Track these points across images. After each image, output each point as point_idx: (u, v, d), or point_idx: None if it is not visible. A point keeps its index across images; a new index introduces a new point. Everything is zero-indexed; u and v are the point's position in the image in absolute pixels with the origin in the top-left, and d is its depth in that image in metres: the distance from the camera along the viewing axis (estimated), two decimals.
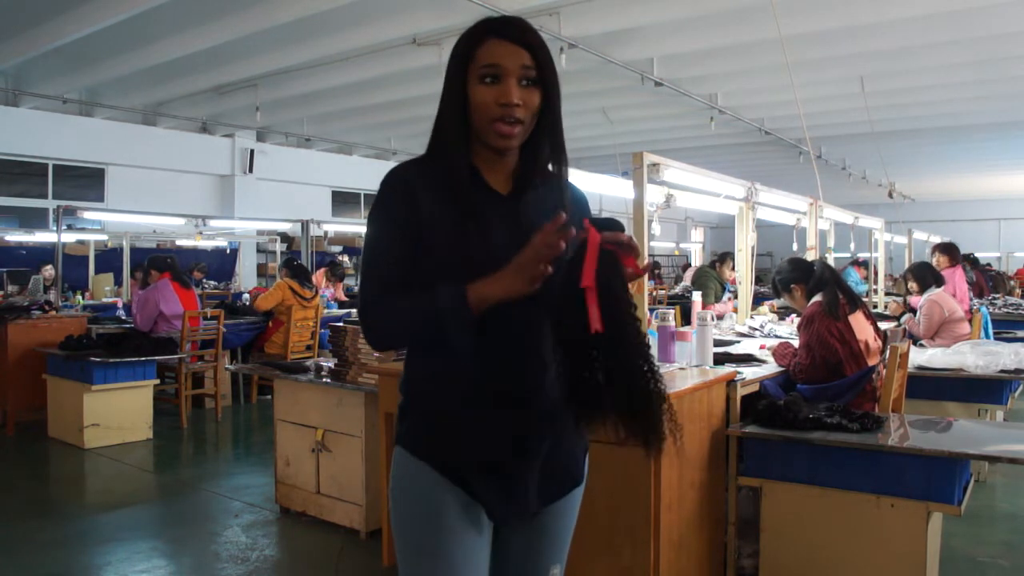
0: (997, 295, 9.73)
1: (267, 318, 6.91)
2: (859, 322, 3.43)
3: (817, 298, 3.47)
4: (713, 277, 7.27)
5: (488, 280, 1.25)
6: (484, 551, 1.42)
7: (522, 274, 1.23)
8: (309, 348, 6.89)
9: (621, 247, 1.23)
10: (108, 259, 9.61)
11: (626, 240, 1.24)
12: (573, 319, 1.21)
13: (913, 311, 5.60)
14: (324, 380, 3.70)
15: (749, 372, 3.14)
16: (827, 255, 5.89)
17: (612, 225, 1.26)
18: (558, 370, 1.28)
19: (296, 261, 7.48)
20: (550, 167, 1.43)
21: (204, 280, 10.50)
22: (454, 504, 1.37)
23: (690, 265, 15.86)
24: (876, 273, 8.31)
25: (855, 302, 3.52)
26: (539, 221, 1.26)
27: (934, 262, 6.81)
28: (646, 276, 3.25)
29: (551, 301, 1.26)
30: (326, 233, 10.93)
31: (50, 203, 9.53)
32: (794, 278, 3.67)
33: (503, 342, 1.33)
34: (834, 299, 3.41)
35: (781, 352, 3.47)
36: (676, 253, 18.26)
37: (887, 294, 8.02)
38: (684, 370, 2.92)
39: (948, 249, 6.99)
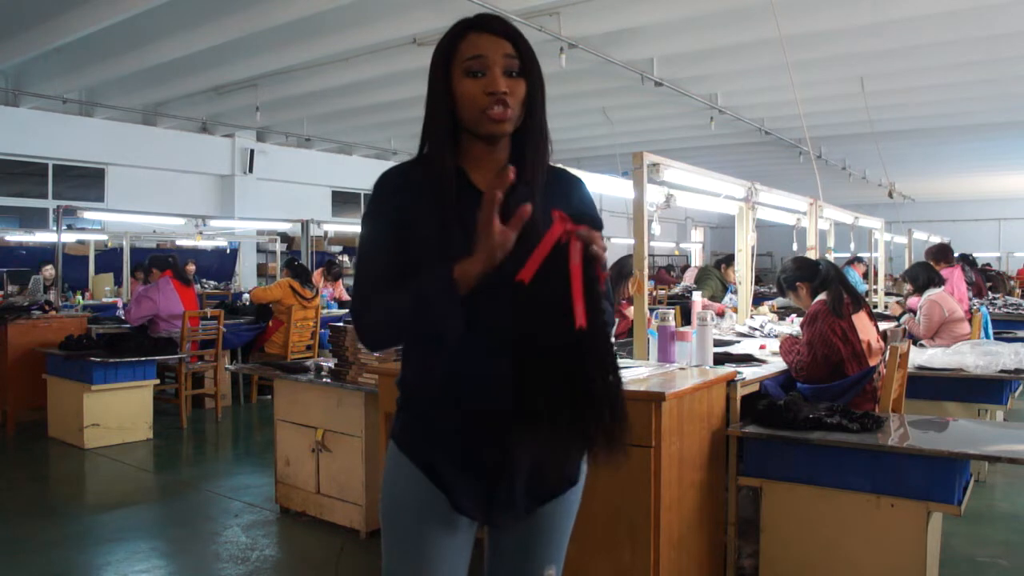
0: (997, 295, 9.72)
1: (266, 317, 6.91)
2: (863, 322, 3.43)
3: (822, 296, 3.48)
4: (716, 276, 7.28)
5: (467, 259, 1.26)
6: (463, 550, 1.44)
7: (484, 240, 1.23)
8: (309, 348, 6.89)
9: (589, 249, 1.21)
10: (108, 259, 9.59)
11: (595, 247, 1.21)
12: (553, 321, 1.19)
13: (911, 311, 5.60)
14: (324, 380, 3.70)
15: (749, 372, 3.13)
16: (827, 255, 5.89)
17: (589, 220, 1.23)
18: (535, 376, 1.24)
19: (297, 261, 7.48)
20: (538, 162, 1.41)
21: (203, 281, 10.50)
22: (435, 501, 1.39)
23: (690, 265, 15.86)
24: (876, 273, 8.31)
25: (859, 302, 3.53)
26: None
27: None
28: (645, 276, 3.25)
29: (526, 306, 1.23)
30: (326, 233, 10.92)
31: (50, 203, 9.53)
32: (799, 276, 3.67)
33: (476, 339, 1.33)
34: (839, 297, 3.41)
35: (787, 348, 3.47)
36: (676, 253, 18.26)
37: (887, 294, 8.02)
38: (684, 370, 2.91)
39: (935, 253, 6.94)
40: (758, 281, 6.42)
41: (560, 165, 1.54)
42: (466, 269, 1.25)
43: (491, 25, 1.36)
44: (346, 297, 8.98)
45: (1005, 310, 8.27)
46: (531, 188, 1.38)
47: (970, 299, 7.39)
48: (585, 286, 1.19)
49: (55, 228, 7.18)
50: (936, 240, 9.85)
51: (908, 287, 5.67)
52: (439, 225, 1.34)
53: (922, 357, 4.39)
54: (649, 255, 3.55)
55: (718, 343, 3.71)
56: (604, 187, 4.17)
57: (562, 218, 1.21)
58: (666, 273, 13.78)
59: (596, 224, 1.26)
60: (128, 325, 6.43)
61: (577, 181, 1.52)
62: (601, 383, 1.21)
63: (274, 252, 10.86)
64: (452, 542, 1.41)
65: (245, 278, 11.31)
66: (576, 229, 1.19)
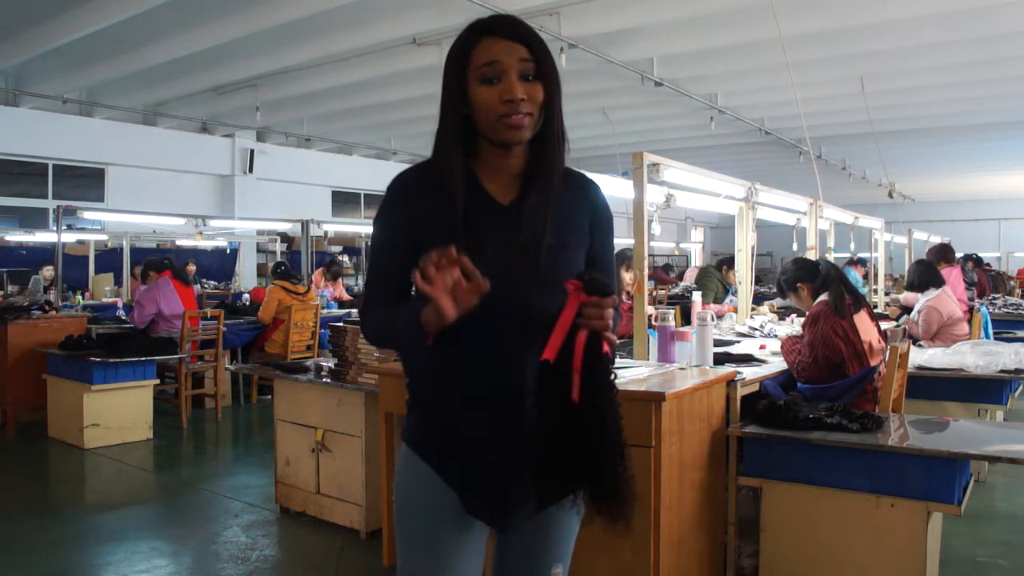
0: (997, 295, 9.72)
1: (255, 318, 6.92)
2: (864, 322, 3.43)
3: (823, 297, 3.47)
4: (716, 279, 7.27)
5: (427, 307, 1.26)
6: (477, 550, 1.44)
7: (433, 310, 1.23)
8: (309, 348, 6.89)
9: (595, 326, 1.26)
10: (108, 259, 9.60)
11: (599, 324, 1.26)
12: (559, 384, 1.28)
13: (907, 310, 5.58)
14: (324, 380, 3.69)
15: (749, 372, 3.13)
16: (827, 255, 5.89)
17: (601, 287, 1.26)
18: (537, 399, 1.34)
19: (283, 267, 7.44)
20: (554, 168, 1.40)
21: (203, 281, 10.50)
22: (448, 500, 1.39)
23: (690, 265, 15.86)
24: (876, 273, 8.31)
25: (860, 302, 3.53)
26: (537, 229, 1.33)
27: None
28: (645, 276, 3.25)
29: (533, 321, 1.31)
30: (326, 233, 10.92)
31: (50, 203, 9.53)
32: (800, 277, 3.66)
33: (483, 349, 1.35)
34: (840, 297, 3.41)
35: (788, 348, 3.47)
36: (676, 253, 18.26)
37: (887, 294, 8.01)
38: (684, 370, 2.91)
39: (936, 253, 6.92)
40: (758, 281, 6.42)
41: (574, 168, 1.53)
42: (428, 318, 1.26)
43: (504, 29, 1.33)
44: (346, 297, 9.01)
45: (1005, 310, 8.26)
46: (545, 194, 1.38)
47: (970, 299, 7.38)
48: (587, 362, 1.26)
49: (55, 228, 7.18)
50: (936, 240, 9.85)
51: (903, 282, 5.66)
52: (445, 232, 1.33)
53: (922, 357, 4.38)
54: (650, 255, 3.54)
55: (718, 343, 3.71)
56: (604, 187, 4.17)
57: (577, 288, 1.25)
58: (663, 273, 13.75)
59: (608, 289, 1.27)
60: (128, 325, 6.44)
61: (593, 186, 1.52)
62: (604, 462, 1.31)
63: (274, 252, 10.85)
64: (466, 541, 1.41)
65: (245, 278, 11.31)
66: (587, 301, 1.25)
